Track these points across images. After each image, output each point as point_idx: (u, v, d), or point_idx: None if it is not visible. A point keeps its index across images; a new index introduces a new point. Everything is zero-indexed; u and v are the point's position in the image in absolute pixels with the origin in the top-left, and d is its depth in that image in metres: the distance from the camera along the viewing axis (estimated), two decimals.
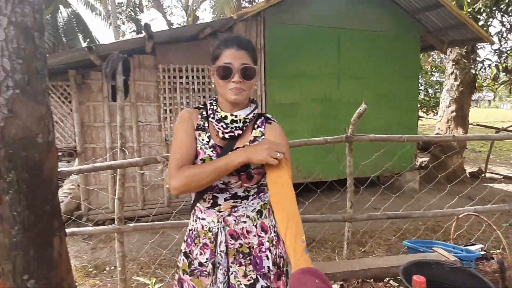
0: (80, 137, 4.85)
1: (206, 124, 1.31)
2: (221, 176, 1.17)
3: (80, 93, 4.79)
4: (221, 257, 1.29)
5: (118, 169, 2.54)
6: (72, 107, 4.81)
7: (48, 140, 1.41)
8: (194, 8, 17.95)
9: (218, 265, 1.29)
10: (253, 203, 1.32)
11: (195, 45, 5.23)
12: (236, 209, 1.29)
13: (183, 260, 1.37)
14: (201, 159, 1.25)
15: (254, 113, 1.31)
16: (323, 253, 3.73)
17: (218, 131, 1.27)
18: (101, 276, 3.31)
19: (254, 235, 1.31)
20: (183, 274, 1.36)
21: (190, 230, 1.39)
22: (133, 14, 17.12)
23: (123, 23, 17.38)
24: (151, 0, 18.01)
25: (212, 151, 1.26)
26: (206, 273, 1.30)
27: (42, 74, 1.35)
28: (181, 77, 5.19)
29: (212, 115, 1.30)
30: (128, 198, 4.95)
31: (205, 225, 1.32)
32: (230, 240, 1.30)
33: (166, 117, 5.21)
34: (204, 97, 5.32)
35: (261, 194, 1.35)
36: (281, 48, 5.39)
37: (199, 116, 1.33)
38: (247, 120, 1.28)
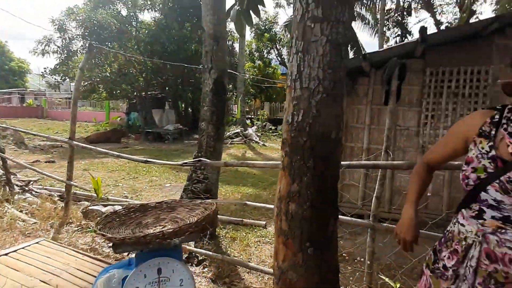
0: (343, 136, 5.35)
1: (493, 132, 1.18)
2: None
3: (349, 97, 5.27)
4: (468, 272, 1.18)
5: (380, 169, 2.67)
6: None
7: (338, 137, 1.68)
8: (471, 1, 15.72)
9: (463, 278, 1.19)
10: None
11: (472, 45, 4.63)
12: (503, 231, 1.12)
13: (431, 254, 1.38)
14: (472, 168, 1.18)
15: None
16: None
17: (510, 145, 1.13)
18: (346, 263, 3.58)
19: None
20: (425, 267, 1.39)
21: (447, 231, 1.35)
22: (400, 18, 16.97)
23: (388, 29, 17.54)
24: (420, 1, 17.21)
25: (490, 162, 1.14)
26: (446, 277, 1.26)
27: (342, 81, 1.62)
28: (449, 81, 4.76)
29: (505, 125, 1.16)
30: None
31: (462, 232, 1.24)
32: (485, 260, 1.15)
33: (426, 123, 4.94)
34: (476, 102, 4.66)
35: None
36: None
37: (488, 121, 1.21)
38: None
